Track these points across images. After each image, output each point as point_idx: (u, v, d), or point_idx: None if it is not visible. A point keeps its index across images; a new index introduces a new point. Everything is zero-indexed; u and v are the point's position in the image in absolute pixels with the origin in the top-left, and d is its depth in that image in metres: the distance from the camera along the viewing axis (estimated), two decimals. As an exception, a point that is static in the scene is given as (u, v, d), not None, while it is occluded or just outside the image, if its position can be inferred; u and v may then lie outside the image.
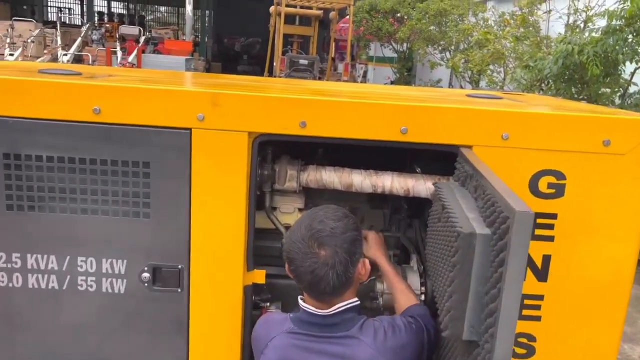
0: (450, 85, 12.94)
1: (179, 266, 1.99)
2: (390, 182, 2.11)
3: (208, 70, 20.71)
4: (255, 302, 2.20)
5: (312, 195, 2.34)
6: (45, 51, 11.85)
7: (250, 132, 1.90)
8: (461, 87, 10.36)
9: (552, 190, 1.92)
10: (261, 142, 1.94)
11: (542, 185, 1.92)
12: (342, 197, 2.30)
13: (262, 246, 2.41)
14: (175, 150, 1.90)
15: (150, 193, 1.93)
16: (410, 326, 1.67)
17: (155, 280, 2.00)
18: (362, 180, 2.12)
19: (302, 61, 10.98)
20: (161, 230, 1.96)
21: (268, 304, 2.30)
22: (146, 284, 2.00)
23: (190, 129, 1.88)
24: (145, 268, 1.99)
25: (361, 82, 15.39)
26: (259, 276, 2.09)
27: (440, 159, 2.04)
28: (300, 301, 1.69)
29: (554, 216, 1.94)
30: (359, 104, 1.88)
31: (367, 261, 1.66)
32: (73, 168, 1.90)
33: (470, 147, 1.91)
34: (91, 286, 2.00)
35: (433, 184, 1.86)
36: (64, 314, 2.02)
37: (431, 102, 2.00)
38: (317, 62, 11.88)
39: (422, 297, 2.15)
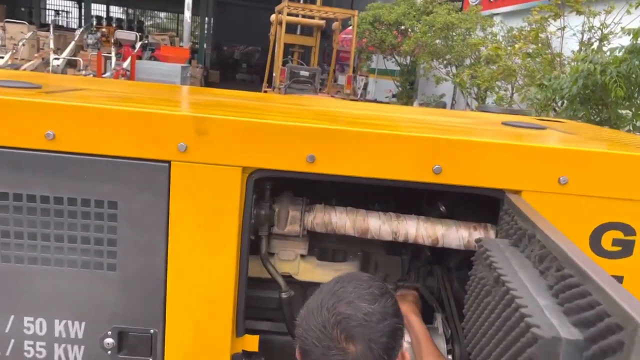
0: (454, 100, 12.62)
1: (151, 330, 1.59)
2: (415, 229, 1.72)
3: (206, 78, 20.36)
4: (246, 367, 1.80)
5: (317, 237, 1.95)
6: (36, 55, 11.45)
7: (245, 167, 1.52)
8: (467, 103, 10.03)
9: (618, 248, 1.54)
10: (259, 179, 1.56)
11: (606, 241, 1.54)
12: (351, 240, 1.91)
13: (256, 297, 2.02)
14: (149, 188, 1.51)
15: (117, 240, 1.53)
16: None
17: (122, 347, 1.60)
18: (380, 225, 1.74)
19: (303, 72, 10.59)
20: (130, 286, 1.57)
21: (262, 369, 1.90)
22: (109, 352, 1.60)
23: (169, 162, 1.49)
24: (109, 332, 1.59)
25: (361, 94, 15.07)
26: (250, 343, 1.69)
27: (471, 199, 1.67)
28: None
29: (619, 279, 1.56)
30: (383, 136, 1.50)
31: (407, 354, 1.25)
32: (19, 207, 1.50)
33: (518, 192, 1.53)
34: (40, 353, 1.60)
35: (476, 242, 1.47)
36: (6, 386, 1.62)
37: (471, 134, 1.62)
38: (319, 73, 11.52)
39: (449, 367, 1.76)
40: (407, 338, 1.78)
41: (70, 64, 11.99)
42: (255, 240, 1.79)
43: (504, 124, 2.04)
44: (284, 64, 11.85)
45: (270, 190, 1.76)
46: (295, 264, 1.90)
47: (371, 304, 1.15)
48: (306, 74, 10.71)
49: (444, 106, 12.03)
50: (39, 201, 1.50)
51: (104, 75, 10.77)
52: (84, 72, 11.31)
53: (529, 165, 1.52)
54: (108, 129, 1.47)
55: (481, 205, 1.77)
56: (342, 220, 1.74)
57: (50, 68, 10.56)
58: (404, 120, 2.06)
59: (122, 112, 1.47)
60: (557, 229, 1.18)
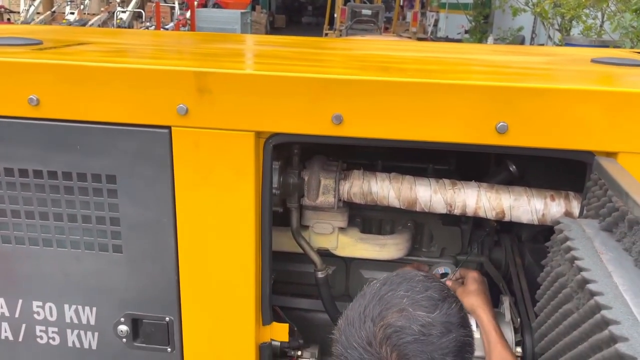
0: (534, 33, 11.50)
1: (167, 318, 1.41)
2: (475, 200, 1.40)
3: (272, 23, 19.94)
4: (282, 349, 1.60)
5: (359, 206, 1.67)
6: (102, 9, 11.55)
7: (259, 132, 1.25)
8: (549, 36, 9.05)
9: None
10: (282, 145, 1.29)
11: None
12: (400, 208, 1.61)
13: (291, 271, 1.80)
14: (150, 159, 1.28)
15: (119, 219, 1.34)
16: None
17: (137, 335, 1.44)
18: (430, 195, 1.42)
19: (365, 11, 9.89)
20: (138, 270, 1.38)
21: (300, 352, 1.70)
22: (124, 340, 1.44)
23: (169, 128, 1.25)
24: (122, 319, 1.43)
25: (432, 32, 14.15)
26: (279, 332, 1.48)
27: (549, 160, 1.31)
28: None
29: None
30: (426, 86, 1.16)
31: None
32: (12, 182, 1.33)
33: (613, 155, 1.15)
34: (53, 339, 1.47)
35: (554, 224, 1.13)
36: (23, 371, 1.52)
37: (548, 79, 1.24)
38: (382, 11, 10.75)
39: (518, 361, 1.46)
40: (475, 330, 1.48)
41: (137, 16, 12.01)
42: (284, 214, 1.55)
43: (594, 61, 1.61)
44: (345, 2, 11.18)
45: (299, 154, 1.49)
46: (333, 238, 1.64)
47: (430, 312, 0.88)
48: (369, 12, 10.02)
49: (522, 41, 11.01)
50: (32, 176, 1.32)
51: (166, 27, 10.72)
52: (147, 24, 11.31)
53: (628, 118, 1.13)
54: (97, 91, 1.24)
55: (561, 166, 1.41)
56: (385, 190, 1.45)
57: (115, 21, 10.63)
58: (465, 62, 1.68)
59: (110, 70, 1.23)
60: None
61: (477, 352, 1.46)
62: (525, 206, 1.36)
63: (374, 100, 1.16)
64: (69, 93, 1.24)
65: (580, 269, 0.85)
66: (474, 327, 1.49)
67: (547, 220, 1.36)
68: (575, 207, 1.33)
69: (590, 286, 0.79)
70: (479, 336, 1.49)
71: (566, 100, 1.13)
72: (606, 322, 0.71)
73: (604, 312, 0.72)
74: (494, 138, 1.16)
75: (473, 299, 1.50)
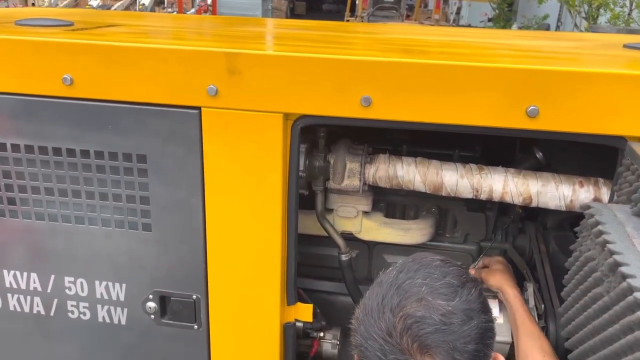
0: (559, 22, 11.26)
1: (194, 296, 1.44)
2: (502, 185, 1.39)
3: (292, 10, 19.85)
4: (305, 330, 1.62)
5: (383, 190, 1.67)
6: (125, -7, 11.60)
7: (287, 114, 1.26)
8: (575, 24, 8.87)
9: None
10: (309, 127, 1.30)
11: None
12: (425, 193, 1.60)
13: (315, 254, 1.82)
14: (179, 139, 1.30)
15: (149, 198, 1.36)
16: None
17: (164, 311, 1.48)
18: (457, 180, 1.42)
19: (387, -2, 9.84)
20: (167, 248, 1.41)
21: (322, 333, 1.72)
22: (152, 316, 1.48)
23: (199, 108, 1.27)
24: (150, 296, 1.46)
25: (454, 20, 13.94)
26: (304, 312, 1.50)
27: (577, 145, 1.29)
28: None
29: None
30: (456, 68, 1.15)
31: (500, 358, 0.95)
32: (46, 161, 1.37)
33: (646, 139, 1.14)
34: (84, 314, 1.51)
35: (584, 209, 1.12)
36: (54, 344, 1.57)
37: (580, 63, 1.22)
38: (405, -2, 10.69)
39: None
40: (495, 313, 1.49)
41: (159, 1, 12.04)
42: (309, 197, 1.56)
43: (627, 46, 1.58)
44: (368, -11, 11.10)
45: (325, 137, 1.50)
46: (357, 222, 1.65)
47: (450, 300, 0.86)
48: (391, -1, 9.95)
49: (547, 29, 10.79)
50: (65, 154, 1.35)
51: (187, 12, 10.75)
52: (169, 10, 11.35)
53: (664, 103, 1.11)
54: (129, 71, 1.26)
55: (590, 152, 1.39)
56: (410, 174, 1.45)
57: (137, 7, 10.68)
58: (493, 47, 1.66)
59: (142, 50, 1.25)
60: None
61: (503, 337, 1.48)
62: (553, 192, 1.35)
63: (403, 83, 1.16)
64: (102, 73, 1.26)
65: (612, 252, 0.84)
66: (496, 312, 1.50)
67: (575, 206, 1.35)
68: (605, 194, 1.31)
69: (623, 269, 0.78)
70: (502, 322, 1.49)
71: (598, 84, 1.12)
72: (639, 304, 0.70)
73: (636, 294, 0.72)
74: (525, 122, 1.15)
75: (499, 276, 1.51)
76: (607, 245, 0.86)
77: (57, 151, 1.35)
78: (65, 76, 1.27)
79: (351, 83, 1.19)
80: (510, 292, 1.46)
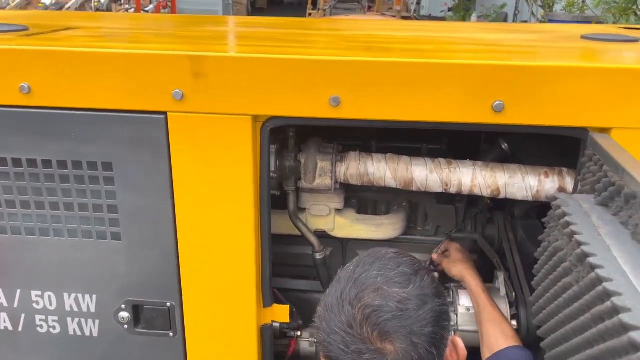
0: (517, 10, 11.50)
1: (168, 303, 1.42)
2: (471, 179, 1.41)
3: (253, 4, 19.64)
4: (282, 330, 1.62)
5: (355, 187, 1.68)
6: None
7: (256, 116, 1.24)
8: (532, 13, 9.07)
9: None
10: (278, 128, 1.29)
11: None
12: (396, 188, 1.62)
13: (288, 253, 1.82)
14: (146, 146, 1.27)
15: (117, 206, 1.33)
16: None
17: (138, 321, 1.45)
18: (427, 175, 1.44)
19: (348, -10, 9.85)
20: (138, 256, 1.38)
21: (299, 332, 1.72)
22: (126, 326, 1.45)
23: (165, 113, 1.24)
24: (123, 306, 1.43)
25: (415, 10, 14.06)
26: (280, 313, 1.50)
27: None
28: None
29: None
30: (425, 66, 1.16)
31: (458, 341, 0.99)
32: (5, 172, 1.32)
33: (607, 130, 1.18)
34: (54, 327, 1.47)
35: (550, 200, 1.15)
36: (24, 359, 1.52)
37: (542, 57, 1.25)
38: (367, -10, 10.71)
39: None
40: (466, 303, 1.52)
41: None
42: (281, 197, 1.55)
43: (584, 37, 1.63)
44: (329, -18, 11.07)
45: (295, 137, 1.49)
46: (330, 220, 1.66)
47: (404, 288, 0.89)
48: (353, -8, 9.95)
49: (505, 18, 11.00)
50: (25, 165, 1.30)
51: (146, 9, 10.49)
52: (127, 7, 11.07)
53: (621, 94, 1.15)
54: (90, 77, 1.22)
55: (554, 142, 1.43)
56: (381, 171, 1.46)
57: (93, 4, 10.38)
58: (457, 41, 1.68)
59: (104, 55, 1.21)
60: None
61: (472, 327, 1.51)
62: (520, 183, 1.38)
63: (370, 82, 1.17)
64: (62, 80, 1.22)
65: (580, 243, 0.87)
66: (468, 302, 1.53)
67: (542, 196, 1.38)
68: (569, 183, 1.35)
69: (591, 260, 0.81)
70: (473, 312, 1.53)
71: (561, 78, 1.15)
72: (608, 294, 0.73)
73: (605, 285, 0.74)
74: (491, 117, 1.17)
75: (460, 266, 1.55)
76: (575, 236, 0.89)
77: (17, 162, 1.30)
78: (22, 84, 1.22)
79: (319, 83, 1.18)
80: (471, 280, 1.50)
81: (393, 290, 0.88)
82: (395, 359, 0.85)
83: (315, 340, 0.96)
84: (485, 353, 1.35)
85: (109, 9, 10.94)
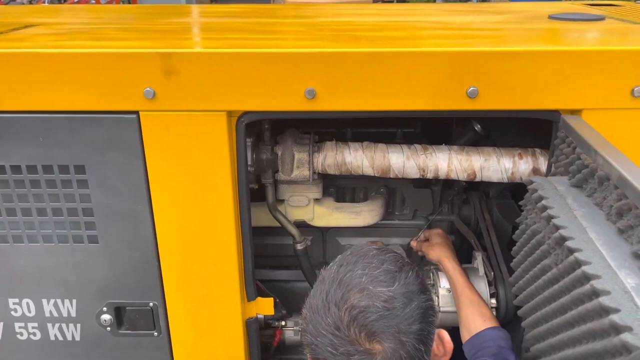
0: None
1: (151, 303, 1.40)
2: (447, 163, 1.43)
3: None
4: (266, 322, 1.63)
5: (332, 176, 1.69)
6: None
7: (230, 111, 1.23)
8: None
9: None
10: (252, 122, 1.27)
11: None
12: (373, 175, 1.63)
13: (269, 245, 1.82)
14: (119, 146, 1.24)
15: (92, 209, 1.30)
16: None
17: (121, 322, 1.43)
18: (403, 161, 1.45)
19: (314, -29, 9.72)
20: (117, 258, 1.36)
21: (283, 322, 1.74)
22: (108, 328, 1.43)
23: (137, 113, 1.21)
24: (104, 308, 1.41)
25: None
26: (264, 306, 1.50)
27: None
28: None
29: None
30: (398, 55, 1.16)
31: (444, 334, 1.00)
32: (-27, 181, 1.27)
33: (578, 111, 1.20)
34: (34, 334, 1.44)
35: (527, 183, 1.17)
36: (6, 368, 1.49)
37: (512, 41, 1.26)
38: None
39: (494, 312, 1.53)
40: (446, 284, 1.55)
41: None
42: (259, 190, 1.54)
43: (551, 18, 1.65)
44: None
45: (270, 130, 1.48)
46: (309, 209, 1.66)
47: (390, 286, 0.89)
48: (318, -28, 9.84)
49: (471, -6, 11.02)
50: (-7, 172, 1.26)
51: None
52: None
53: (590, 75, 1.17)
54: (56, 79, 1.18)
55: (524, 123, 1.45)
56: (358, 159, 1.46)
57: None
58: (426, 26, 1.68)
59: (70, 56, 1.17)
60: (640, 169, 0.87)
61: (451, 308, 1.54)
62: (495, 166, 1.41)
63: (344, 73, 1.16)
64: (26, 83, 1.18)
65: (558, 227, 0.89)
66: (446, 284, 1.56)
67: (516, 178, 1.41)
68: (542, 164, 1.38)
69: (569, 243, 0.83)
70: (446, 293, 1.56)
71: (531, 62, 1.16)
72: (587, 277, 0.75)
73: (584, 268, 0.76)
74: (465, 103, 1.18)
75: (438, 250, 1.58)
76: (552, 220, 0.91)
77: (-16, 169, 1.26)
78: (-16, 89, 1.18)
79: (294, 76, 1.17)
80: (448, 264, 1.53)
81: (378, 290, 0.88)
82: (384, 358, 0.85)
83: (303, 343, 0.95)
84: (465, 335, 1.38)
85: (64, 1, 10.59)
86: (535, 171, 1.38)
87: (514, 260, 1.17)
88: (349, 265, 0.92)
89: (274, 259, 1.86)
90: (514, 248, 1.17)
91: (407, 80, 1.16)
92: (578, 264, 0.79)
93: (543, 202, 0.98)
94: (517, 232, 1.16)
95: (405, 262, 0.94)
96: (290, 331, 1.76)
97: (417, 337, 0.87)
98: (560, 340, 0.87)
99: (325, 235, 1.85)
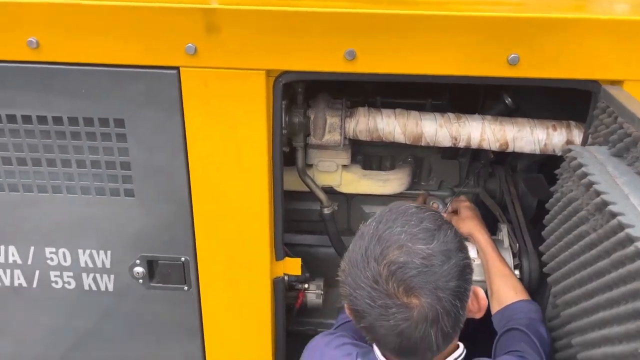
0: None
1: (182, 258, 1.44)
2: (480, 133, 1.43)
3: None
4: (290, 283, 1.67)
5: (361, 143, 1.70)
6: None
7: (269, 70, 1.24)
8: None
9: None
10: (288, 83, 1.28)
11: None
12: (401, 144, 1.62)
13: (294, 209, 1.84)
14: (158, 101, 1.26)
15: (130, 163, 1.33)
16: None
17: (153, 275, 1.47)
18: (436, 129, 1.45)
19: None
20: (152, 212, 1.39)
21: (307, 285, 1.77)
22: (140, 280, 1.47)
23: (177, 69, 1.23)
24: (137, 261, 1.45)
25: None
26: (292, 267, 1.53)
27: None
28: (376, 351, 1.04)
29: None
30: (441, 19, 1.16)
31: (479, 291, 1.03)
32: (15, 129, 1.30)
33: (618, 82, 1.19)
34: (69, 283, 1.49)
35: (564, 152, 1.17)
36: (39, 315, 1.54)
37: (555, 8, 1.25)
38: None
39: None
40: (472, 254, 1.56)
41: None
42: (289, 153, 1.56)
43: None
44: None
45: (304, 93, 1.48)
46: (337, 175, 1.67)
47: (428, 244, 0.91)
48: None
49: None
50: (36, 122, 1.29)
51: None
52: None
53: (634, 46, 1.16)
54: (100, 32, 1.19)
55: (556, 96, 1.44)
56: (391, 126, 1.47)
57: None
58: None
59: (114, 9, 1.18)
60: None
61: (478, 277, 1.56)
62: (528, 137, 1.41)
63: (387, 35, 1.16)
64: (71, 34, 1.20)
65: (599, 193, 0.90)
66: (474, 254, 1.58)
67: (549, 149, 1.41)
68: (577, 136, 1.38)
69: (611, 207, 0.84)
70: (479, 262, 1.57)
71: (577, 30, 1.15)
72: (631, 239, 0.76)
73: (628, 230, 0.77)
74: (506, 70, 1.17)
75: (469, 223, 1.58)
76: (594, 186, 0.92)
77: (26, 119, 1.29)
78: (30, 39, 1.20)
79: (335, 36, 1.17)
80: (480, 237, 1.54)
81: (417, 247, 0.90)
82: (420, 312, 0.88)
83: (341, 294, 0.98)
84: (495, 306, 1.39)
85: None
86: (569, 143, 1.37)
87: (545, 229, 1.18)
88: (388, 222, 0.94)
89: (297, 224, 1.88)
90: (547, 217, 1.18)
91: (448, 44, 1.16)
92: (621, 227, 0.80)
93: (583, 169, 0.99)
94: (550, 200, 1.17)
95: (444, 221, 0.96)
96: (312, 294, 1.79)
97: (453, 294, 0.90)
98: (595, 303, 0.89)
99: (350, 202, 1.86)
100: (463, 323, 0.95)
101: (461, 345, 1.04)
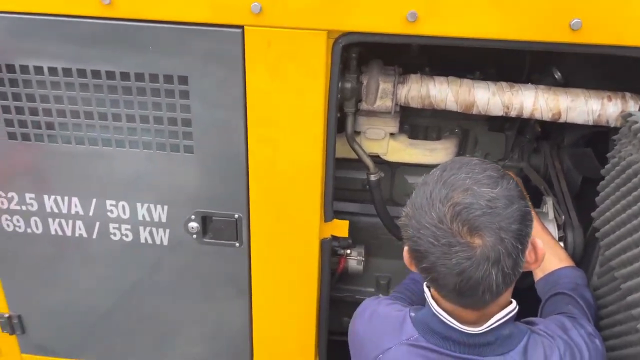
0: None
1: (236, 215, 1.49)
2: (533, 102, 1.44)
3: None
4: (332, 248, 1.71)
5: (408, 113, 1.72)
6: None
7: (331, 31, 1.27)
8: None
9: None
10: (346, 45, 1.31)
11: None
12: (447, 115, 1.65)
13: (339, 177, 1.87)
14: (222, 60, 1.31)
15: (191, 120, 1.38)
16: (594, 343, 1.11)
17: (206, 231, 1.53)
18: (489, 98, 1.47)
19: None
20: (209, 169, 1.44)
21: (349, 250, 1.81)
22: (194, 236, 1.53)
23: (242, 27, 1.27)
24: (192, 216, 1.51)
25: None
26: (340, 228, 1.57)
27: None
28: (429, 300, 1.08)
29: None
30: (505, -18, 1.17)
31: (537, 242, 1.04)
32: (85, 84, 1.36)
33: (681, 51, 1.19)
34: (126, 235, 1.56)
35: (624, 117, 1.18)
36: (96, 266, 1.62)
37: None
38: None
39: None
40: None
41: None
42: (339, 119, 1.59)
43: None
44: None
45: (357, 58, 1.51)
46: (384, 143, 1.70)
47: (493, 188, 0.94)
48: None
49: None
50: (104, 77, 1.35)
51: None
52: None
53: (700, 15, 1.15)
54: (169, -11, 1.24)
55: (604, 68, 1.43)
56: (443, 93, 1.49)
57: None
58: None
59: (185, -33, 1.22)
60: None
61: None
62: (582, 107, 1.41)
63: (451, -2, 1.18)
64: (142, -9, 1.24)
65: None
66: None
67: (602, 121, 1.41)
68: (632, 107, 1.37)
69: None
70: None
71: (640, -3, 1.15)
72: None
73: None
74: (568, 35, 1.18)
75: None
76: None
77: (95, 74, 1.35)
78: (103, -6, 1.25)
79: (397, -1, 1.19)
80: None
81: (482, 190, 0.93)
82: (483, 251, 0.91)
83: (402, 237, 1.02)
84: (538, 274, 1.41)
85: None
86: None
87: (600, 194, 1.19)
88: (452, 170, 0.98)
89: (339, 192, 1.91)
90: (602, 183, 1.19)
91: (509, 7, 1.17)
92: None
93: (644, 133, 1.00)
94: (606, 167, 1.18)
95: (506, 173, 0.99)
96: (353, 260, 1.84)
97: (515, 236, 0.93)
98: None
99: (394, 172, 1.89)
100: (522, 269, 0.98)
101: (514, 301, 1.07)
